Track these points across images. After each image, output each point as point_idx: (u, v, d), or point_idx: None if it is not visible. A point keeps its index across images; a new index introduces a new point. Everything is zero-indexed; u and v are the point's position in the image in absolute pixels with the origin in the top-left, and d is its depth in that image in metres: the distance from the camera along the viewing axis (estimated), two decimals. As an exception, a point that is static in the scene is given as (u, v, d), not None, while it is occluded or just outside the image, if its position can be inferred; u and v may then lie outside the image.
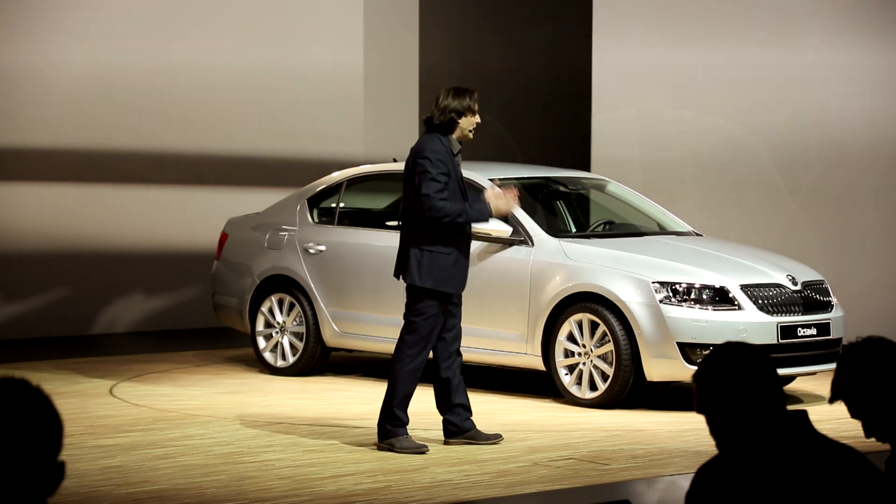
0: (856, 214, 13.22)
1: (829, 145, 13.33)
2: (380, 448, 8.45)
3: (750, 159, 13.60)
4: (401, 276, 8.54)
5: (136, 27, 14.11)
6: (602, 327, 9.91)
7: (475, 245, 10.45)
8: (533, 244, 10.35)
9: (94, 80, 13.89)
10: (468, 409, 8.72)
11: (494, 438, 8.69)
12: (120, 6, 14.04)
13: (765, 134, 13.53)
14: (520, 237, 10.39)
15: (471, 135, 8.57)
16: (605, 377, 9.89)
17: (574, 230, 11.13)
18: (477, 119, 8.56)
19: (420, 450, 8.40)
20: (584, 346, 9.99)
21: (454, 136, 8.50)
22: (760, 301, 9.95)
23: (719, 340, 9.61)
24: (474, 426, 8.69)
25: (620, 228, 11.12)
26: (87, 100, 13.87)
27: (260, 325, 11.59)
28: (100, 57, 13.91)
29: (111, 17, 13.97)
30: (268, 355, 11.53)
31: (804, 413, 3.66)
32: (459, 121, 8.49)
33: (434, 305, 8.46)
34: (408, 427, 8.51)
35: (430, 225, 8.38)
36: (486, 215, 8.50)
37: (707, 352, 9.52)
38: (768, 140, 13.53)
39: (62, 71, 13.71)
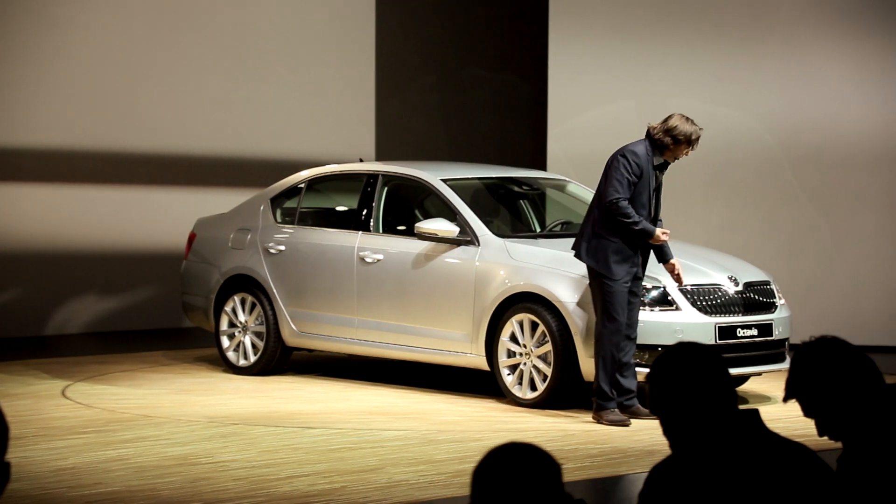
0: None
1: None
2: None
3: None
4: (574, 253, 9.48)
5: (124, 31, 14.05)
6: (541, 327, 9.87)
7: (422, 245, 10.49)
8: (479, 244, 10.33)
9: (61, 80, 13.82)
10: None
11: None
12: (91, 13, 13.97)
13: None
14: (466, 237, 10.39)
15: (674, 160, 9.38)
16: (544, 378, 9.88)
17: (539, 231, 11.15)
18: (686, 154, 9.33)
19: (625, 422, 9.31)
20: (524, 346, 9.99)
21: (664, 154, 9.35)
22: (699, 302, 9.93)
23: (655, 341, 9.70)
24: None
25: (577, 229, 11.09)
26: (55, 100, 13.79)
27: (224, 325, 11.58)
28: (71, 60, 13.84)
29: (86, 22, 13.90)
30: (231, 354, 11.52)
31: (756, 412, 3.68)
32: (671, 146, 9.26)
33: (609, 284, 9.25)
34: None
35: (607, 215, 9.25)
36: (650, 234, 9.27)
37: (648, 354, 9.64)
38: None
39: (30, 73, 13.64)
